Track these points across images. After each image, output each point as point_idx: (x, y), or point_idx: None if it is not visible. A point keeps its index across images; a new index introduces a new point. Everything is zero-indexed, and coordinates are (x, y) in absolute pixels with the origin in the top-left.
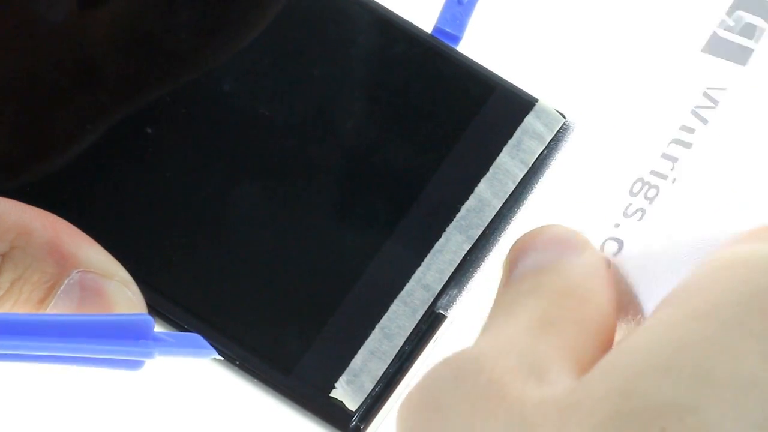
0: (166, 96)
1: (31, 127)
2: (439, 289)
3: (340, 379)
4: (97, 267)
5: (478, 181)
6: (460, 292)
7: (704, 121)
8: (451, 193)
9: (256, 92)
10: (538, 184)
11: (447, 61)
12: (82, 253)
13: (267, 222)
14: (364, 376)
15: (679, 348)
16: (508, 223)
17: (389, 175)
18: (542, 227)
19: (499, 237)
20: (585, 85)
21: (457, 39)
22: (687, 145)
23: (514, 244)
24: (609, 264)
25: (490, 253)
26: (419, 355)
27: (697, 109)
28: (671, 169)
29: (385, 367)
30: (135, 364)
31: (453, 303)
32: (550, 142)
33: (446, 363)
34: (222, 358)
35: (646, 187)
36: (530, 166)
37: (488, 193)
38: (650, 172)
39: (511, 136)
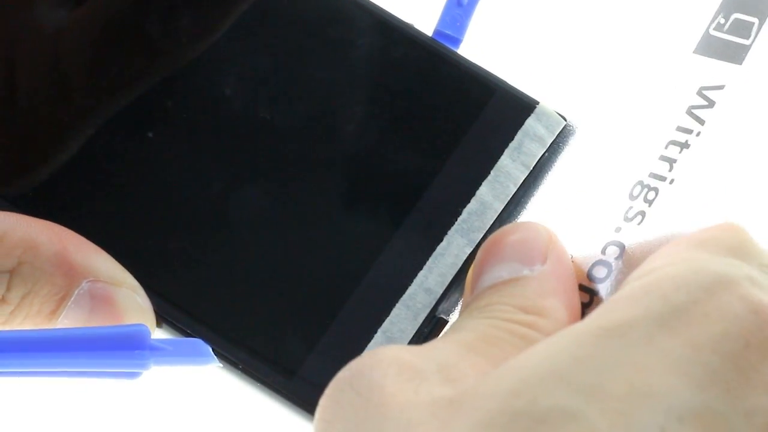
0: (167, 101)
1: (29, 134)
2: (441, 292)
3: None
4: (106, 275)
5: (480, 184)
6: (461, 296)
7: (701, 121)
8: (453, 196)
9: (258, 96)
10: (540, 186)
11: (448, 63)
12: (90, 262)
13: (269, 226)
14: None
15: (579, 359)
16: None
17: (391, 178)
18: (505, 233)
19: None
20: (585, 88)
21: (457, 42)
22: (684, 145)
23: (477, 256)
24: (571, 263)
25: None
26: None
27: (692, 110)
28: (669, 171)
29: None
30: (133, 374)
31: (454, 307)
32: (551, 144)
33: (336, 382)
34: (222, 366)
35: (646, 189)
36: (531, 168)
37: (489, 196)
38: (649, 175)
39: (512, 138)
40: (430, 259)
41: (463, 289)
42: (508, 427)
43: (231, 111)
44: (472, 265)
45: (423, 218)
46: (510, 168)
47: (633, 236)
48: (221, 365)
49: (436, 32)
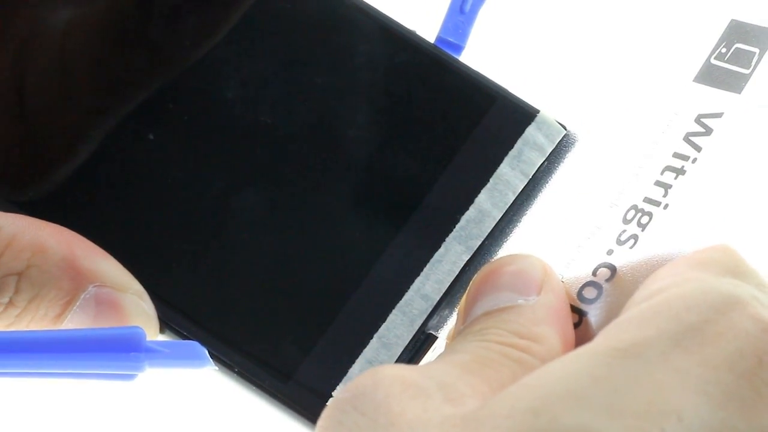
0: (169, 103)
1: (36, 139)
2: (438, 299)
3: (338, 387)
4: (112, 281)
5: (479, 192)
6: (451, 312)
7: (698, 148)
8: (451, 204)
9: (259, 101)
10: (538, 195)
11: (449, 70)
12: (97, 267)
13: (267, 230)
14: None
15: (597, 379)
16: (508, 234)
17: (390, 184)
18: (501, 264)
19: (499, 248)
20: (584, 98)
21: (459, 49)
22: (680, 171)
23: (471, 285)
24: (566, 299)
25: None
26: (417, 364)
27: (690, 137)
28: (664, 196)
29: None
30: (128, 376)
31: (444, 323)
32: (550, 153)
33: (342, 397)
34: (217, 369)
35: (640, 214)
36: (530, 177)
37: (488, 204)
38: (643, 200)
39: (511, 146)
40: (428, 266)
41: (457, 300)
42: None
43: (233, 115)
44: (465, 294)
45: (421, 225)
46: (509, 176)
47: (625, 259)
48: (217, 368)
49: (438, 39)
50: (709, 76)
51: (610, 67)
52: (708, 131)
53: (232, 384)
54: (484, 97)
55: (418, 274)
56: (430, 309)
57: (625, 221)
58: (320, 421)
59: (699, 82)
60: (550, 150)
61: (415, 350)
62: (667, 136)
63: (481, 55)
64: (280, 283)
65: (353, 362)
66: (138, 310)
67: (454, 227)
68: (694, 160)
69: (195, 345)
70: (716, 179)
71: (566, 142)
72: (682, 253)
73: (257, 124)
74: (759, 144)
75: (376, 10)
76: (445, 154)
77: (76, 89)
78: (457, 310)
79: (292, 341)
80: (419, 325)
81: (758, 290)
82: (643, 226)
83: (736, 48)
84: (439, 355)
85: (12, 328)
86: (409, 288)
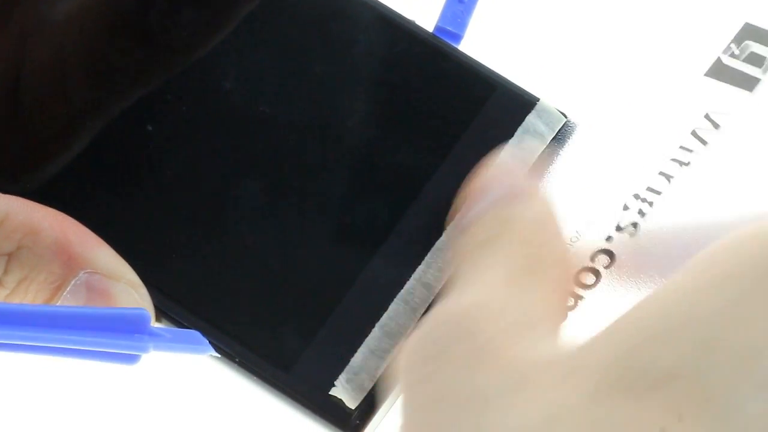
0: (167, 94)
1: (31, 129)
2: (440, 287)
3: (340, 377)
4: (105, 268)
5: None
6: None
7: (704, 142)
8: (452, 192)
9: (258, 91)
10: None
11: (448, 60)
12: (90, 253)
13: (267, 220)
14: (364, 374)
15: (688, 317)
16: None
17: (390, 173)
18: (490, 171)
19: None
20: (586, 86)
21: (458, 38)
22: (685, 164)
23: (465, 188)
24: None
25: None
26: None
27: (697, 131)
28: (666, 186)
29: (385, 365)
30: (130, 358)
31: None
32: (551, 141)
33: (438, 323)
34: (219, 356)
35: (641, 202)
36: (531, 165)
37: None
38: (646, 188)
39: (512, 135)
40: (429, 254)
41: None
42: (632, 385)
43: (231, 106)
44: (461, 194)
45: (422, 213)
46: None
47: (624, 247)
48: (218, 355)
49: (437, 28)
50: (721, 73)
51: (614, 57)
52: (716, 126)
53: (232, 374)
54: (483, 85)
55: (420, 263)
56: (432, 297)
57: (626, 209)
58: (410, 349)
59: (710, 76)
60: (550, 138)
61: None
62: (673, 128)
63: (481, 44)
64: (281, 272)
65: (355, 352)
66: (129, 299)
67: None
68: (700, 154)
69: (196, 334)
70: (720, 173)
71: (566, 129)
72: (682, 241)
73: (256, 114)
74: (766, 142)
75: (375, 0)
76: (445, 143)
77: (76, 79)
78: None
79: (293, 331)
80: (421, 313)
81: None
82: (643, 215)
83: (750, 50)
84: (467, 273)
85: None
86: (410, 276)
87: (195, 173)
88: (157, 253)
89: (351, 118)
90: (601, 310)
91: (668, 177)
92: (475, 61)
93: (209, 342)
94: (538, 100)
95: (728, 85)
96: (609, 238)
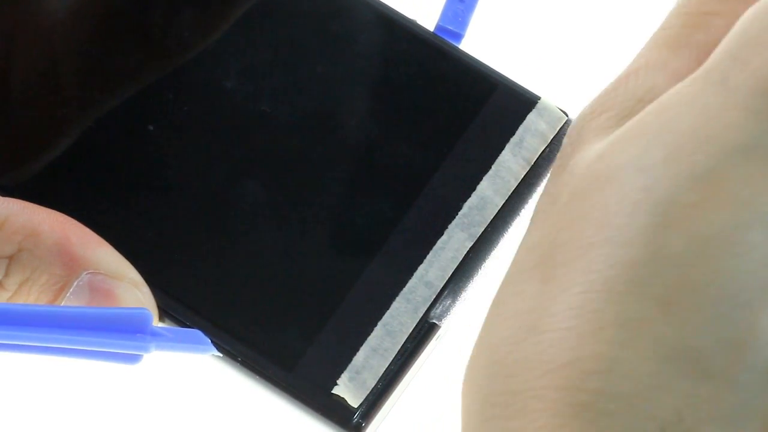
0: (168, 94)
1: (29, 126)
2: (441, 286)
3: (342, 376)
4: (107, 268)
5: (480, 179)
6: (454, 302)
7: None
8: (454, 191)
9: (259, 90)
10: (541, 182)
11: (449, 59)
12: (92, 254)
13: (269, 219)
14: (366, 373)
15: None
16: (510, 221)
17: (391, 172)
18: None
19: (501, 235)
20: (588, 84)
21: (459, 37)
22: None
23: None
24: None
25: (492, 251)
26: (421, 352)
27: None
28: None
29: (387, 364)
30: (133, 358)
31: (447, 313)
32: (552, 140)
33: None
34: (221, 355)
35: None
36: (532, 164)
37: (490, 191)
38: None
39: (513, 133)
40: (431, 253)
41: (460, 289)
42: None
43: (232, 105)
44: None
45: (424, 212)
46: (511, 163)
47: None
48: (220, 354)
49: (438, 27)
50: None
51: (615, 55)
52: None
53: (235, 374)
54: (484, 84)
55: (422, 262)
56: (434, 296)
57: None
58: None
59: None
60: (551, 136)
61: (419, 338)
62: None
63: (482, 43)
64: (283, 271)
65: (357, 351)
66: (133, 299)
67: (457, 214)
68: None
69: (198, 333)
70: None
71: (568, 128)
72: None
73: (257, 113)
74: None
75: None
76: (446, 142)
77: (74, 77)
78: (460, 299)
79: (295, 331)
80: (423, 312)
81: None
82: None
83: None
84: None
85: None
86: (412, 275)
87: (197, 172)
88: (159, 252)
89: (353, 117)
90: None
91: None
92: (476, 60)
93: (211, 341)
94: (539, 98)
95: None
96: None
